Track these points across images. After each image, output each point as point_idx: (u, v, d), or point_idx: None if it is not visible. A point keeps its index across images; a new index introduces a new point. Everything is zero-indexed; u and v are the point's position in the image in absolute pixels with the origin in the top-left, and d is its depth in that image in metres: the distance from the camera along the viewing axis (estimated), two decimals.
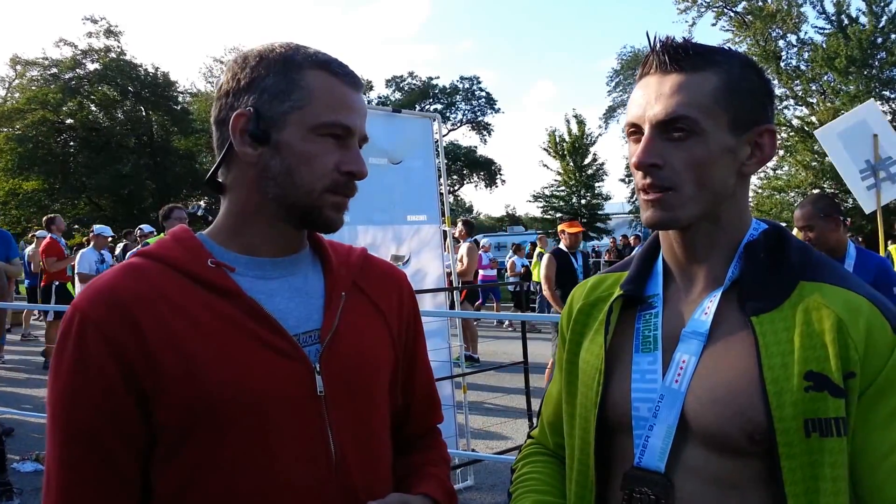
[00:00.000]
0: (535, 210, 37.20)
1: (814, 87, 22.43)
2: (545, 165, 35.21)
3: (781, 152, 21.90)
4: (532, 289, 14.61)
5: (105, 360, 0.95)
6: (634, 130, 1.04)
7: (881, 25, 21.35)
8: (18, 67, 31.63)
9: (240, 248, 1.08)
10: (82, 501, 0.96)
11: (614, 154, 67.44)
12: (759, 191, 22.67)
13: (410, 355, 1.25)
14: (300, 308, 1.09)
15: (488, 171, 41.46)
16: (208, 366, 0.97)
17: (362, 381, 1.11)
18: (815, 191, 19.18)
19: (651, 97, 1.01)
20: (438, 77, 45.71)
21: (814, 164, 21.41)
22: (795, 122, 22.29)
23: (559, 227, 7.31)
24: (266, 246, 1.09)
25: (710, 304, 1.03)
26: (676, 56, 1.00)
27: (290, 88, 1.02)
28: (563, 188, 34.39)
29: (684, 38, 1.04)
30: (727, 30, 24.80)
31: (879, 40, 21.23)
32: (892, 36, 21.27)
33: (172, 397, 0.96)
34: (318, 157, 1.03)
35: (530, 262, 15.30)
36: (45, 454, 1.00)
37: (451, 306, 5.61)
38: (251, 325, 1.02)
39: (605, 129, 41.98)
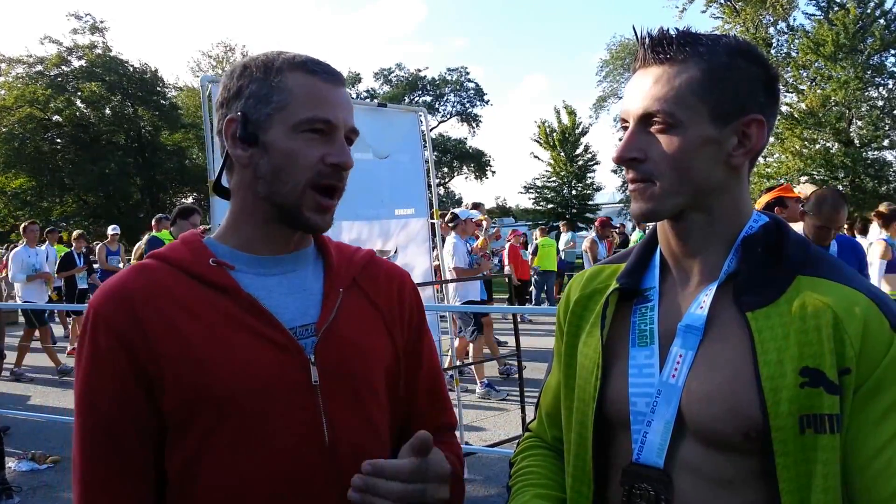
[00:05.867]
0: (526, 201, 37.19)
1: (804, 75, 22.40)
2: (536, 157, 35.24)
3: (772, 139, 21.88)
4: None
5: (116, 352, 1.04)
6: (625, 126, 1.05)
7: (867, 11, 21.31)
8: (3, 65, 31.30)
9: (240, 246, 1.14)
10: (102, 483, 1.05)
11: (605, 144, 67.69)
12: (750, 178, 22.59)
13: (413, 352, 1.27)
14: (297, 303, 1.14)
15: (478, 163, 41.39)
16: (208, 356, 1.04)
17: (357, 371, 1.15)
18: (804, 178, 19.17)
19: (635, 91, 1.02)
20: (427, 68, 45.53)
21: (803, 151, 21.41)
22: (785, 108, 22.27)
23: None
24: (264, 244, 1.15)
25: (706, 298, 1.02)
26: (657, 48, 1.00)
27: (271, 91, 1.09)
28: (554, 179, 34.39)
29: (674, 28, 1.03)
30: (717, 17, 24.76)
31: (868, 25, 21.17)
32: (881, 21, 21.23)
33: (175, 385, 1.03)
34: (300, 152, 1.08)
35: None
36: (73, 441, 1.09)
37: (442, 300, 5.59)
38: (248, 319, 1.08)
39: (596, 119, 41.91)
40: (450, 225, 7.32)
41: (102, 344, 1.05)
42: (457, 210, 7.71)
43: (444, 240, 6.90)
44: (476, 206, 9.64)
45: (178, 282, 1.09)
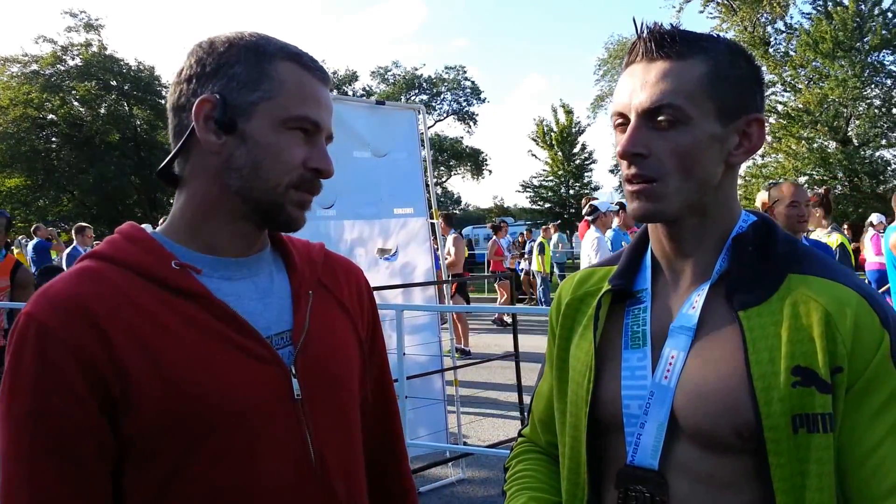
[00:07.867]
0: (523, 200, 37.13)
1: (802, 73, 22.37)
2: (534, 155, 35.18)
3: (769, 139, 21.82)
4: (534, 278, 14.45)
5: (72, 372, 0.89)
6: (621, 120, 1.02)
7: (865, 10, 21.27)
8: None
9: (202, 248, 1.03)
10: None
11: (603, 144, 67.68)
12: (748, 179, 22.61)
13: (370, 352, 1.23)
14: (269, 309, 1.05)
15: (475, 162, 41.33)
16: (183, 372, 0.93)
17: (337, 382, 1.09)
18: (802, 178, 19.21)
19: (637, 85, 0.99)
20: (423, 65, 45.45)
21: (804, 150, 21.37)
22: (780, 107, 22.24)
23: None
24: (229, 244, 1.04)
25: (698, 298, 1.02)
26: (662, 43, 0.98)
27: (261, 78, 0.99)
28: (551, 178, 34.36)
29: (671, 24, 1.02)
30: (714, 16, 24.73)
31: (865, 24, 21.12)
32: (879, 19, 21.18)
33: (146, 406, 0.91)
34: (285, 150, 1.00)
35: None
36: (3, 475, 0.91)
37: (441, 299, 5.55)
38: (223, 330, 0.97)
39: (594, 118, 41.84)
40: (589, 218, 7.05)
41: (52, 360, 0.89)
42: (595, 202, 7.31)
43: (444, 239, 6.84)
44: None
45: (136, 287, 0.95)
